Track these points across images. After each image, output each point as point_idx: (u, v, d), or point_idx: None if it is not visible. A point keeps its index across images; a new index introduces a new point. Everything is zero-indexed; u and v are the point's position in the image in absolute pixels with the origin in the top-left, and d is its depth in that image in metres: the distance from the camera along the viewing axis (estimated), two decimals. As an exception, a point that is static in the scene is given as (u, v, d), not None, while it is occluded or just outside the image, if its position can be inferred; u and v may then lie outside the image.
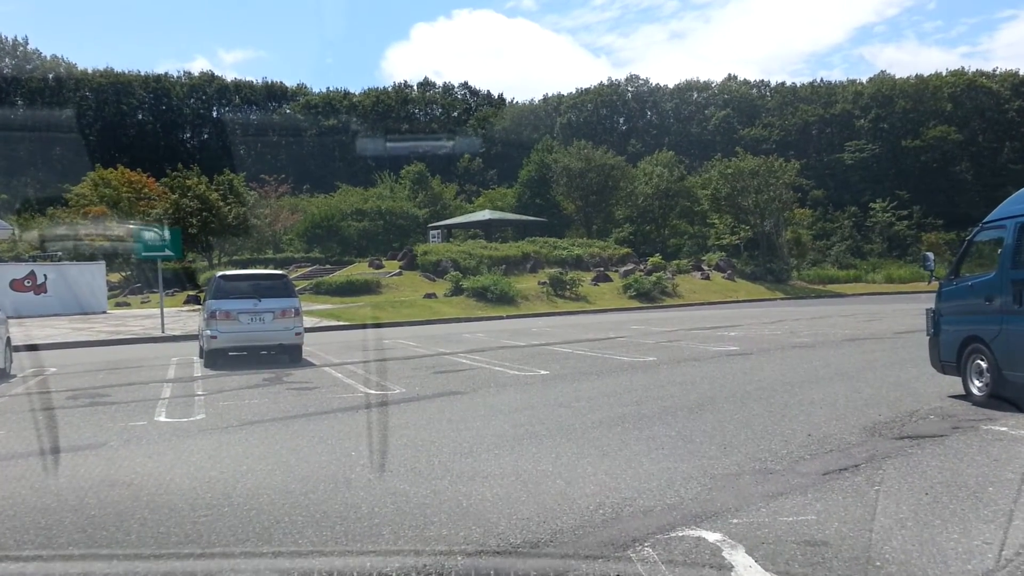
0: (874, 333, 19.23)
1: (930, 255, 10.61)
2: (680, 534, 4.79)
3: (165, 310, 25.68)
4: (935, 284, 10.48)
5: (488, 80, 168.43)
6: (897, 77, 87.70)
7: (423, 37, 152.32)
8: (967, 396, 9.36)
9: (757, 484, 5.91)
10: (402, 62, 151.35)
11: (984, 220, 9.55)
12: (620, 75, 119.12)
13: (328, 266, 45.66)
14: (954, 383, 9.84)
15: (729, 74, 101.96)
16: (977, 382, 9.20)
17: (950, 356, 9.68)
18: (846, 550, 4.45)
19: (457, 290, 34.77)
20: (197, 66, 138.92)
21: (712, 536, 4.71)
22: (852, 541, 4.59)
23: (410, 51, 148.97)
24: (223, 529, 5.08)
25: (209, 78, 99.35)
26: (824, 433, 7.67)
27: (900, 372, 11.93)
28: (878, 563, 4.26)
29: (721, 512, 5.19)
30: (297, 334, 15.37)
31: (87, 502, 5.74)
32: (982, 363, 9.08)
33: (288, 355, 15.48)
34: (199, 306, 18.54)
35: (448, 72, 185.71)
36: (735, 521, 5.00)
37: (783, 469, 6.35)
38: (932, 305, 10.34)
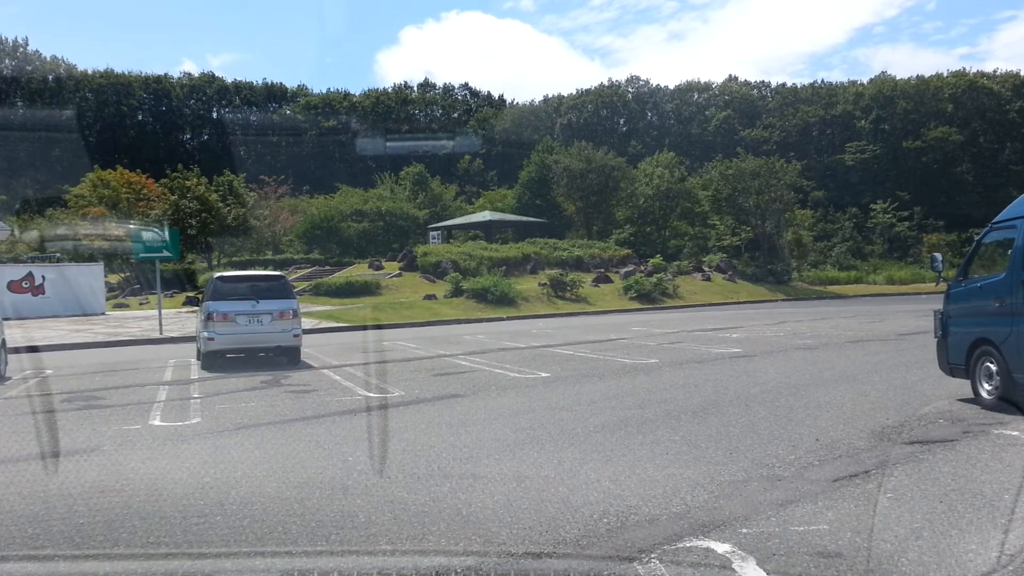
0: (877, 334, 19.07)
1: (938, 256, 10.47)
2: (688, 544, 4.63)
3: (164, 311, 25.52)
4: (943, 285, 10.33)
5: (483, 82, 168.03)
6: (898, 78, 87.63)
7: (413, 40, 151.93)
8: (976, 399, 9.20)
9: (765, 491, 5.74)
10: (394, 65, 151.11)
11: (994, 220, 9.38)
12: (619, 76, 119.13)
13: (327, 267, 45.52)
14: (962, 386, 9.69)
15: (729, 75, 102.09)
16: (986, 385, 9.04)
17: (959, 359, 9.53)
18: (860, 562, 4.29)
19: (457, 291, 34.61)
20: (196, 68, 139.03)
21: (721, 547, 4.55)
22: (866, 552, 4.43)
23: (401, 55, 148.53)
24: (214, 538, 4.92)
25: (209, 79, 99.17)
26: (832, 438, 7.51)
27: (906, 374, 11.78)
28: (895, 576, 4.10)
29: (730, 521, 5.03)
30: (295, 336, 15.20)
31: (76, 510, 5.58)
32: (992, 366, 8.92)
33: (286, 357, 15.31)
34: (197, 307, 18.38)
35: (441, 75, 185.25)
36: (744, 531, 4.83)
37: (792, 475, 6.19)
38: (938, 307, 10.20)
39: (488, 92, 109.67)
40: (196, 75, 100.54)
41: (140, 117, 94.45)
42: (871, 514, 5.12)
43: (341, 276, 38.61)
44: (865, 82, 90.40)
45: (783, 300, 42.41)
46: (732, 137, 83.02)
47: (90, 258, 39.46)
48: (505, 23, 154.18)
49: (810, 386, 10.95)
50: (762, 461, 6.64)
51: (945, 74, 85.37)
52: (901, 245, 67.29)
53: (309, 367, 14.76)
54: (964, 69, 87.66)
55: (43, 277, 32.33)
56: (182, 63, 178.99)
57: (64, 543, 4.89)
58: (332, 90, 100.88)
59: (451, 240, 53.33)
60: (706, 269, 46.56)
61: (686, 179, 63.46)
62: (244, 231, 52.39)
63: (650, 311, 35.21)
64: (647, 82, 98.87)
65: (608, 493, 5.72)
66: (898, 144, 78.36)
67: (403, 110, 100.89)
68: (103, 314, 32.42)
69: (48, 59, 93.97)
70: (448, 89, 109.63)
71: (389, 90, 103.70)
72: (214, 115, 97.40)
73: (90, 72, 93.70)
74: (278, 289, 15.66)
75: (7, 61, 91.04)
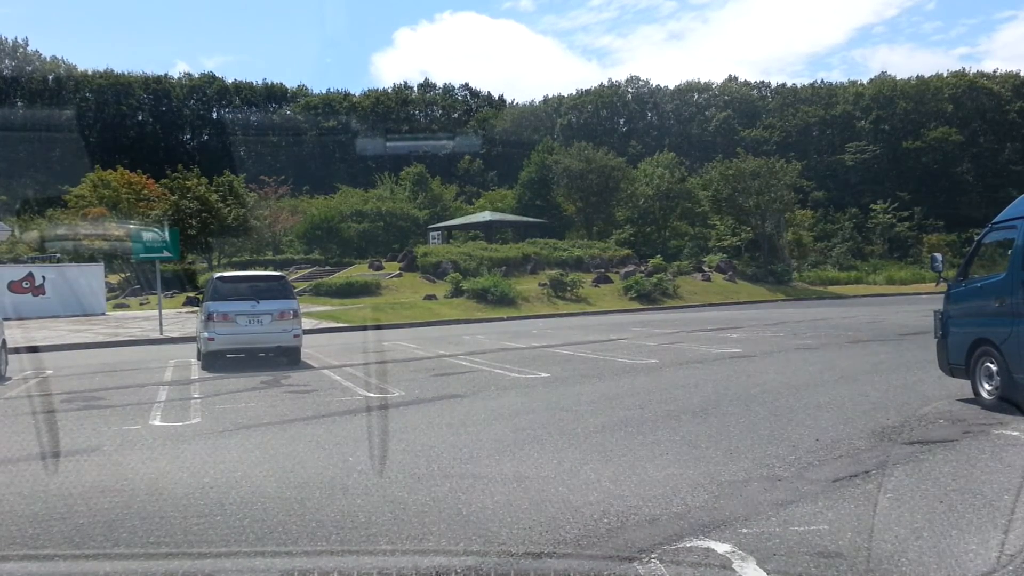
0: (877, 335, 19.07)
1: (939, 256, 10.47)
2: (688, 544, 4.63)
3: (164, 312, 25.52)
4: (943, 285, 10.33)
5: (482, 82, 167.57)
6: (898, 78, 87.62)
7: (407, 42, 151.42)
8: (976, 399, 9.20)
9: (766, 491, 5.75)
10: (390, 67, 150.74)
11: (994, 220, 9.39)
12: (619, 76, 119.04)
13: (328, 268, 45.55)
14: (962, 386, 9.69)
15: (729, 75, 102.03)
16: (987, 385, 9.04)
17: (959, 359, 9.53)
18: (860, 562, 4.29)
19: (457, 292, 34.61)
20: (196, 69, 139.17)
21: (721, 547, 4.55)
22: (866, 552, 4.43)
23: (397, 57, 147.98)
24: (215, 538, 4.93)
25: (209, 79, 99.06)
26: (832, 438, 7.51)
27: (906, 375, 11.78)
28: (895, 576, 4.10)
29: (730, 521, 5.03)
30: (296, 336, 15.21)
31: (76, 510, 5.58)
32: (992, 366, 8.92)
33: (286, 357, 15.30)
34: (198, 308, 18.39)
35: (439, 76, 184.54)
36: (744, 531, 4.84)
37: (792, 476, 6.19)
38: (938, 307, 10.20)
39: (488, 92, 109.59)
40: (196, 75, 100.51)
41: (140, 117, 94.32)
42: (871, 514, 5.12)
43: (341, 276, 38.61)
44: (865, 82, 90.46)
45: (783, 300, 42.41)
46: (732, 137, 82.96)
47: (90, 258, 39.45)
48: (503, 24, 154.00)
49: (810, 386, 10.95)
50: (762, 461, 6.64)
51: (945, 74, 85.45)
52: (901, 245, 67.25)
53: (309, 367, 14.77)
54: (964, 69, 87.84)
55: (43, 277, 32.34)
56: (182, 64, 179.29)
57: (64, 543, 4.89)
58: (332, 90, 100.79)
59: (451, 240, 53.31)
60: (706, 269, 46.56)
61: (686, 179, 63.45)
62: (244, 231, 52.37)
63: (650, 311, 35.21)
64: (647, 82, 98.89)
65: (608, 493, 5.72)
66: (898, 144, 78.34)
67: (403, 110, 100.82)
68: (103, 314, 32.42)
69: (48, 59, 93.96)
70: (448, 89, 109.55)
71: (389, 90, 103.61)
72: (214, 115, 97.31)
73: (90, 72, 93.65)
74: (278, 289, 15.67)
75: (7, 61, 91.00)
